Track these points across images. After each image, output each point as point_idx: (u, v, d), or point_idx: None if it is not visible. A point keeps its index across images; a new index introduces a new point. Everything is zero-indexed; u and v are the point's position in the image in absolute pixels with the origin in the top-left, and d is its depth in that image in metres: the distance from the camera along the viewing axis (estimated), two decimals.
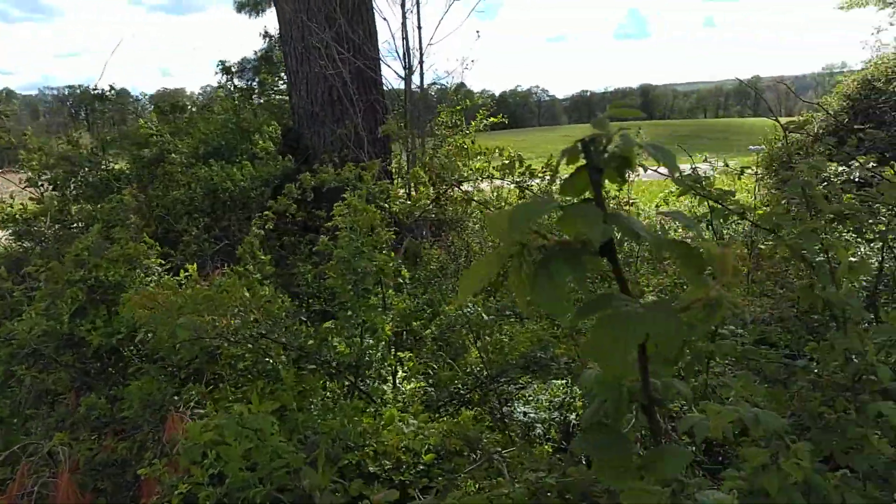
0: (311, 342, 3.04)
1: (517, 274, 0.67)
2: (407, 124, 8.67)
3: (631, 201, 8.93)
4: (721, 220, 1.82)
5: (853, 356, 1.54)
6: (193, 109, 9.43)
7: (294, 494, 2.07)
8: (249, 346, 2.69)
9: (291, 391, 2.57)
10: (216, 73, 11.05)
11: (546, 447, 2.92)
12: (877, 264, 3.34)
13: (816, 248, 1.51)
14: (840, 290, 1.51)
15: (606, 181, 0.68)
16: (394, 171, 9.20)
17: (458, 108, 10.80)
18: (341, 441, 2.23)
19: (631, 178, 7.87)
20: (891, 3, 16.98)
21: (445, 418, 2.80)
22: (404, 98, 9.04)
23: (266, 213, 4.90)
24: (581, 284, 0.64)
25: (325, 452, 2.21)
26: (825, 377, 1.68)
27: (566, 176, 0.68)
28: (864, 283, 3.54)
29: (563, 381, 2.83)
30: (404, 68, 8.53)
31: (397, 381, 3.02)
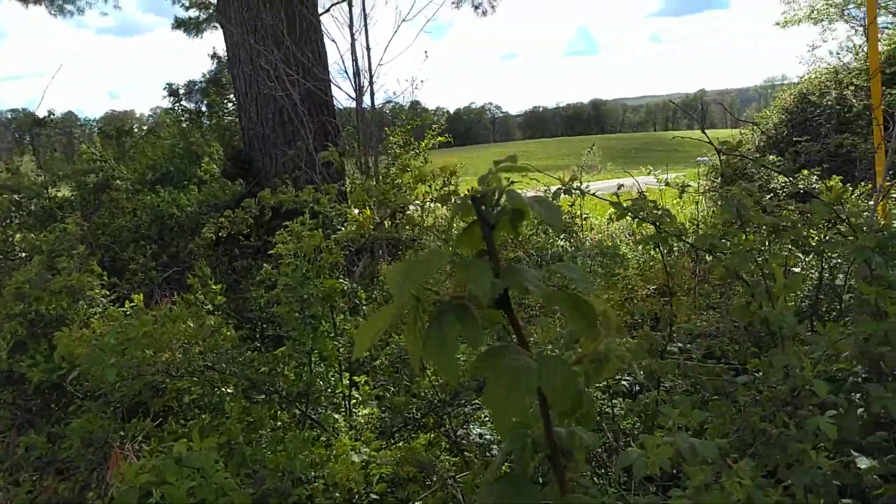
0: (262, 370, 2.97)
1: (412, 329, 0.66)
2: (359, 144, 8.66)
3: (584, 216, 9.07)
4: (661, 244, 1.85)
5: (791, 372, 1.57)
6: (141, 133, 9.25)
7: None
8: (195, 378, 2.62)
9: (239, 424, 2.51)
10: (164, 96, 10.90)
11: (504, 468, 2.90)
12: (817, 274, 3.45)
13: (751, 267, 1.54)
14: (776, 306, 1.54)
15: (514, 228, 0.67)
16: (348, 191, 9.18)
17: (409, 127, 10.84)
18: (290, 475, 2.18)
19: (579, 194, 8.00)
20: (821, 21, 17.76)
21: (400, 444, 2.76)
22: (355, 118, 9.04)
23: (219, 221, 4.79)
24: (475, 342, 0.63)
25: (275, 487, 2.15)
26: (765, 393, 1.71)
27: (461, 229, 0.67)
28: (807, 293, 3.65)
29: None
30: (355, 89, 8.54)
31: (351, 408, 2.98)
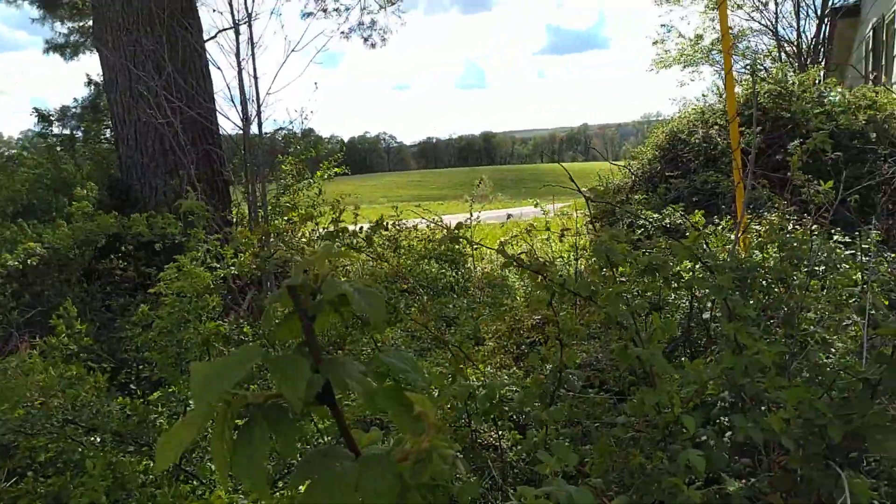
0: (133, 418, 2.77)
1: (218, 440, 0.59)
2: (246, 174, 8.43)
3: (475, 245, 9.21)
4: (544, 291, 1.89)
5: (661, 410, 1.63)
6: (2, 160, 8.57)
7: None
8: (54, 434, 2.39)
9: (103, 481, 2.30)
10: (35, 122, 10.19)
11: None
12: (687, 304, 3.66)
13: (623, 309, 1.61)
14: (647, 347, 1.61)
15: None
16: (235, 219, 8.89)
17: (303, 157, 10.66)
18: None
19: (472, 223, 8.14)
20: (689, 65, 19.32)
21: (285, 493, 2.64)
22: (243, 147, 8.80)
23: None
24: (289, 450, 0.59)
25: None
26: (641, 432, 1.77)
27: (280, 318, 0.63)
28: (680, 321, 3.85)
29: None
30: (242, 119, 8.33)
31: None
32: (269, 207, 8.43)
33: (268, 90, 8.48)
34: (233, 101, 8.25)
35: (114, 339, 5.33)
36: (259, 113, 8.57)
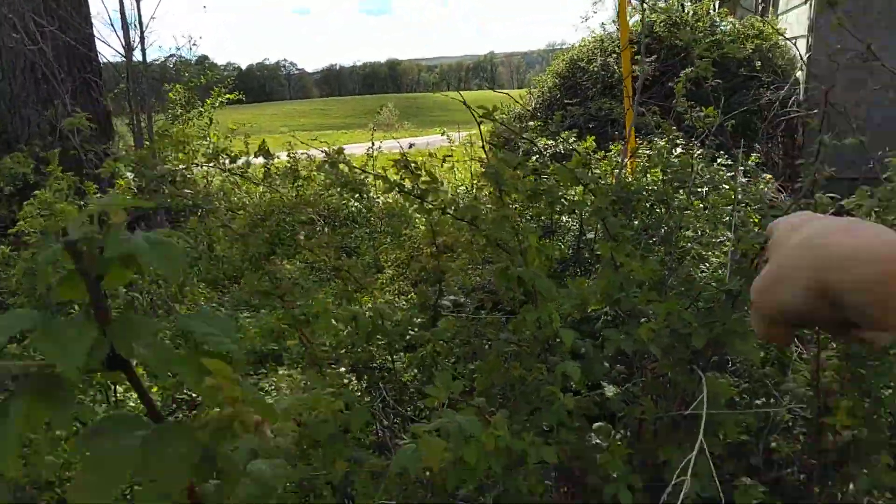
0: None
1: None
2: (131, 103, 7.90)
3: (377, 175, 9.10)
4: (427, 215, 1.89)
5: (542, 325, 1.70)
6: None
7: None
8: None
9: None
10: None
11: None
12: (578, 228, 3.80)
13: (509, 233, 1.64)
14: (531, 267, 1.66)
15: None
16: (124, 152, 8.35)
17: (192, 84, 10.06)
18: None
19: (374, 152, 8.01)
20: None
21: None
22: (126, 76, 8.21)
23: None
24: (63, 423, 0.53)
25: None
26: (523, 346, 1.84)
27: (61, 278, 0.57)
28: (571, 243, 4.01)
29: (298, 370, 2.79)
30: (123, 45, 7.74)
31: (118, 399, 2.74)
32: (157, 139, 7.97)
33: (152, 14, 7.89)
34: (113, 27, 7.63)
35: None
36: (142, 39, 7.98)
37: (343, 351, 2.45)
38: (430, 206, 1.82)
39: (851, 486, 1.94)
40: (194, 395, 2.86)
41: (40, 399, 0.51)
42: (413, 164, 2.02)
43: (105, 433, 0.56)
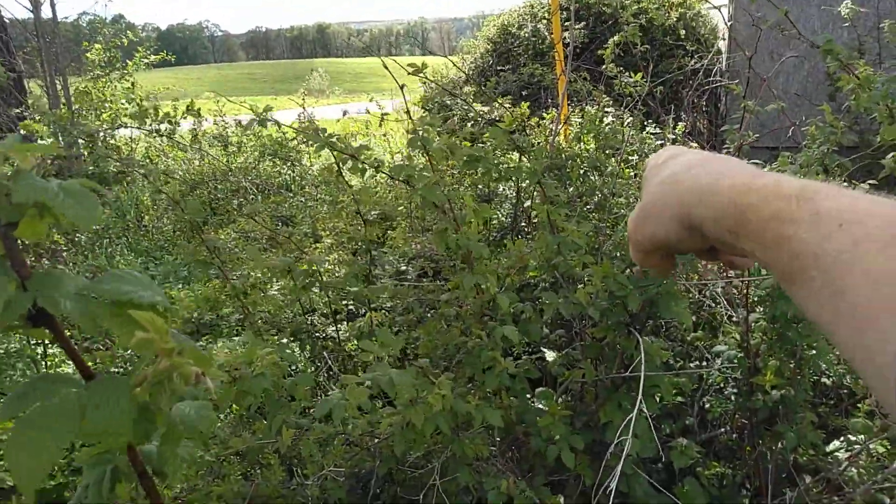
0: None
1: None
2: (42, 63, 7.45)
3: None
4: (359, 174, 1.88)
5: (480, 289, 1.74)
6: None
7: None
8: None
9: None
10: None
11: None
12: (514, 196, 3.84)
13: (442, 196, 1.65)
14: (467, 231, 1.68)
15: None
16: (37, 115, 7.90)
17: (112, 44, 9.54)
18: None
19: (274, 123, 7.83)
20: None
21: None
22: (36, 33, 7.72)
23: None
24: None
25: None
26: (464, 308, 1.87)
27: None
28: (509, 211, 4.05)
29: (238, 340, 2.75)
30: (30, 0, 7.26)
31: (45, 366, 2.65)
32: (76, 99, 7.54)
33: None
34: None
35: None
36: None
37: (283, 318, 2.43)
38: (363, 165, 1.80)
39: (780, 443, 2.07)
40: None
41: None
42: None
43: (36, 393, 0.53)
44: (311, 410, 1.75)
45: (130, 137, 7.80)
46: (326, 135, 1.84)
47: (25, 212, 0.51)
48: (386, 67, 1.92)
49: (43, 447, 0.50)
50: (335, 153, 1.82)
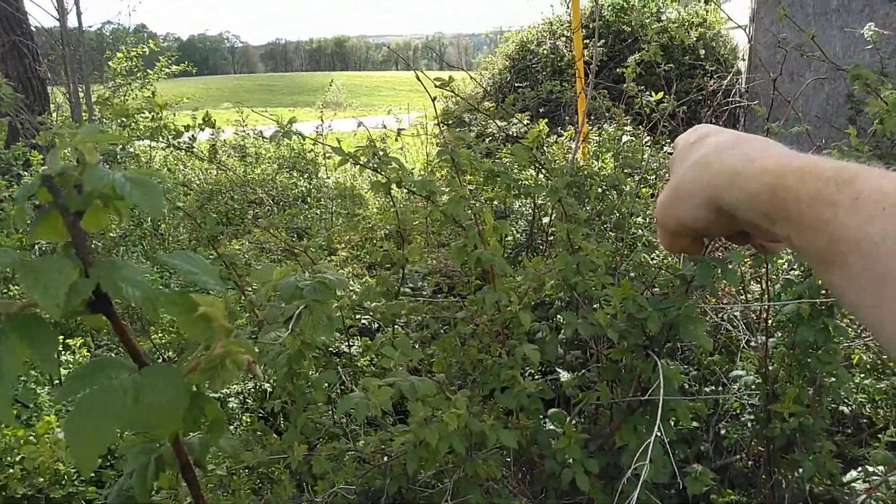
0: None
1: None
2: (66, 71, 7.54)
3: (327, 155, 8.97)
4: (382, 189, 1.87)
5: (501, 306, 1.71)
6: None
7: None
8: None
9: None
10: None
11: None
12: (531, 212, 3.82)
13: (466, 211, 1.63)
14: (487, 248, 1.66)
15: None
16: (58, 121, 8.00)
17: (135, 52, 9.66)
18: None
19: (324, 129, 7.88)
20: None
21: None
22: (61, 41, 7.82)
23: None
24: (48, 365, 0.52)
25: None
26: (481, 326, 1.85)
27: (40, 221, 0.54)
28: (525, 228, 4.03)
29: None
30: (57, 8, 7.37)
31: (62, 380, 2.64)
32: (97, 110, 7.62)
33: None
34: None
35: None
36: (77, 1, 7.63)
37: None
38: (386, 178, 1.79)
39: (797, 472, 2.02)
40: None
41: (25, 340, 0.50)
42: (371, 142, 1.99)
43: (93, 374, 0.54)
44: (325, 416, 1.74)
45: (149, 146, 7.87)
46: (357, 150, 1.83)
47: (92, 201, 0.52)
48: (419, 80, 1.92)
49: (100, 429, 0.51)
50: (360, 166, 1.81)
